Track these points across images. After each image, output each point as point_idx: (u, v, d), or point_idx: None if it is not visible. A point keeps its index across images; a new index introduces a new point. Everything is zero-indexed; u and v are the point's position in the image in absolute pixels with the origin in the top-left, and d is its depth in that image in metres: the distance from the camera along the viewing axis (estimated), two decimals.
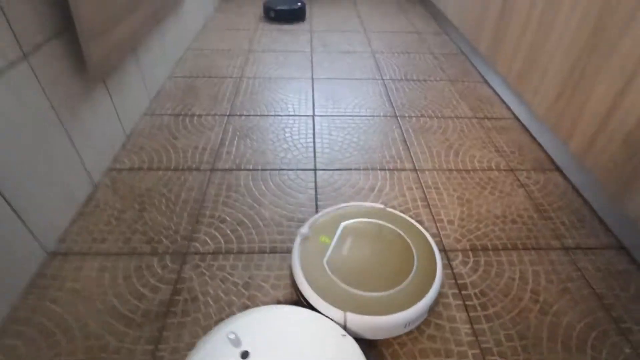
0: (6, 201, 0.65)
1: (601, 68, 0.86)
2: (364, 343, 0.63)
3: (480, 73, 1.54)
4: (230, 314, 0.68)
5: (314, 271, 0.68)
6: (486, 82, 1.49)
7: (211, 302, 0.70)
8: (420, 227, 0.79)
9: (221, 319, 0.67)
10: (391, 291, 0.66)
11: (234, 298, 0.71)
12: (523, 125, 1.23)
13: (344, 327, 0.62)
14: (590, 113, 0.89)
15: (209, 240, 0.82)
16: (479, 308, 0.72)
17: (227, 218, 0.87)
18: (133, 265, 0.76)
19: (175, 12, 1.48)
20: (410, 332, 0.67)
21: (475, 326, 0.69)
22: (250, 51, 1.63)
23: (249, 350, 0.55)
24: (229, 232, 0.84)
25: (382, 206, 0.83)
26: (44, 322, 0.66)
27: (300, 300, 0.68)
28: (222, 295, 0.71)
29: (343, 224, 0.78)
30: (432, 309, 0.69)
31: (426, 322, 0.69)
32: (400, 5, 2.30)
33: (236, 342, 0.55)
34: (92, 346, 0.63)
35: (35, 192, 0.73)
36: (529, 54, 1.15)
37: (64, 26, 0.81)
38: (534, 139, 1.17)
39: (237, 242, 0.82)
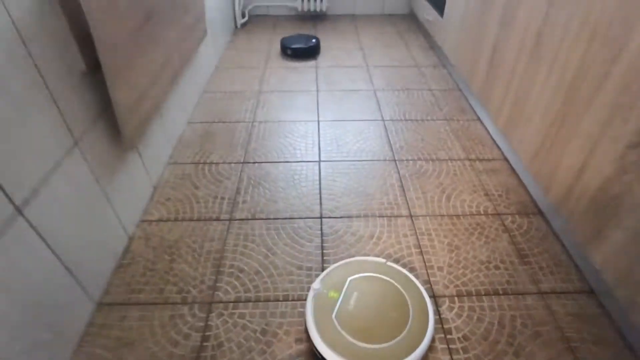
0: (62, 264, 0.80)
1: (572, 132, 0.97)
2: None
3: (474, 110, 1.65)
4: (251, 359, 0.82)
5: (325, 326, 0.81)
6: (479, 119, 1.60)
7: (234, 348, 0.84)
8: (415, 280, 0.91)
9: None
10: (391, 342, 0.78)
11: (253, 344, 0.84)
12: (511, 167, 1.34)
13: None
14: (564, 171, 1.00)
15: (230, 290, 0.95)
16: (461, 351, 0.84)
17: (245, 268, 1.00)
18: (167, 314, 0.90)
19: (191, 62, 1.62)
20: None
21: None
22: (260, 92, 1.77)
23: None
24: (247, 281, 0.97)
25: (383, 261, 0.95)
26: None
27: (313, 351, 0.81)
28: (243, 341, 0.85)
29: (349, 279, 0.91)
30: (424, 357, 0.81)
31: None
32: (401, 35, 2.41)
33: None
34: None
35: (83, 252, 0.87)
36: (514, 105, 1.26)
37: (103, 109, 0.95)
38: (520, 181, 1.29)
39: (254, 290, 0.95)
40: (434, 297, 0.94)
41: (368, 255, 1.03)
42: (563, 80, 1.00)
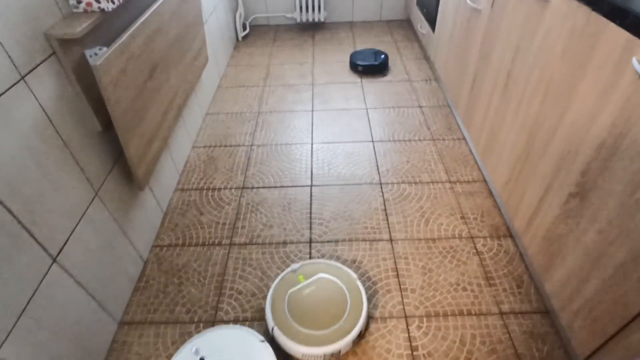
0: (91, 295, 0.96)
1: (531, 173, 1.08)
2: None
3: (460, 129, 1.75)
4: None
5: (279, 295, 1.05)
6: (464, 138, 1.70)
7: None
8: (364, 301, 1.04)
9: None
10: (313, 332, 0.98)
11: None
12: (489, 189, 1.45)
13: (272, 336, 0.98)
14: (526, 205, 1.12)
15: (230, 310, 1.11)
16: None
17: (243, 290, 1.16)
18: (178, 332, 1.06)
19: (195, 88, 1.74)
20: None
21: None
22: (259, 113, 1.89)
23: (204, 356, 0.90)
24: (244, 302, 1.13)
25: (355, 276, 1.10)
26: None
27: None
28: None
29: (319, 274, 1.09)
30: (336, 354, 0.97)
31: None
32: (397, 44, 2.48)
33: (197, 352, 0.90)
34: None
35: (106, 281, 1.03)
36: (490, 135, 1.36)
37: (116, 158, 1.10)
38: (496, 203, 1.40)
39: (250, 311, 1.11)
40: (405, 317, 1.09)
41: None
42: (525, 125, 1.11)
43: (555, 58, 0.97)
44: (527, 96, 1.10)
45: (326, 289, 1.06)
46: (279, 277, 1.09)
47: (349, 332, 0.98)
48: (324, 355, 0.96)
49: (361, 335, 1.03)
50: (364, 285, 1.15)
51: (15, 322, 0.73)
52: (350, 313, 1.01)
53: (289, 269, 1.11)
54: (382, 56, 2.19)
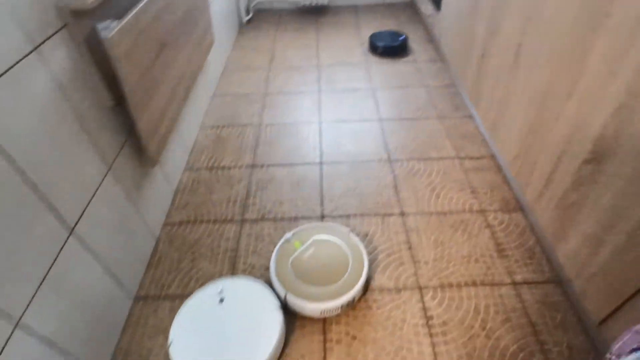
0: (106, 268, 0.97)
1: (542, 145, 1.08)
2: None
3: (467, 106, 1.74)
4: None
5: (281, 264, 1.07)
6: (471, 116, 1.69)
7: None
8: (363, 252, 1.08)
9: None
10: (321, 289, 1.01)
11: None
12: (498, 164, 1.45)
13: (285, 302, 1.00)
14: (537, 176, 1.12)
15: None
16: (440, 335, 1.00)
17: (256, 264, 1.17)
18: None
19: (201, 69, 1.73)
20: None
21: (436, 349, 0.97)
22: (266, 94, 1.88)
23: (224, 297, 0.98)
24: (258, 276, 1.13)
25: (347, 230, 1.14)
26: (140, 351, 0.98)
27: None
28: None
29: (314, 237, 1.12)
30: (350, 303, 1.00)
31: (399, 346, 0.97)
32: (402, 27, 2.46)
33: (221, 292, 0.97)
34: None
35: (120, 256, 1.04)
36: (498, 110, 1.35)
37: (127, 134, 1.10)
38: (505, 178, 1.40)
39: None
40: (419, 288, 1.09)
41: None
42: (536, 97, 1.10)
43: (567, 24, 0.96)
44: (538, 66, 1.09)
45: (325, 247, 1.10)
46: (276, 249, 1.10)
47: (358, 279, 1.02)
48: (342, 307, 0.99)
49: (368, 282, 1.09)
50: (358, 237, 1.17)
51: (36, 292, 0.73)
52: (353, 263, 1.05)
53: (282, 240, 1.12)
54: (402, 37, 2.17)
